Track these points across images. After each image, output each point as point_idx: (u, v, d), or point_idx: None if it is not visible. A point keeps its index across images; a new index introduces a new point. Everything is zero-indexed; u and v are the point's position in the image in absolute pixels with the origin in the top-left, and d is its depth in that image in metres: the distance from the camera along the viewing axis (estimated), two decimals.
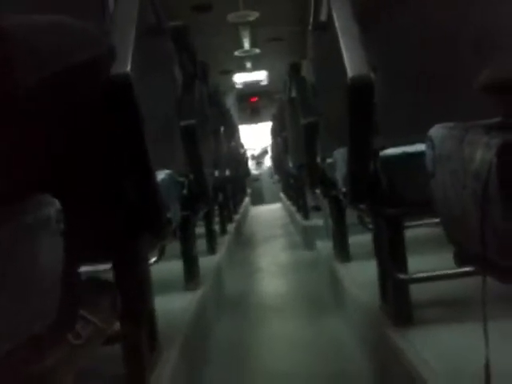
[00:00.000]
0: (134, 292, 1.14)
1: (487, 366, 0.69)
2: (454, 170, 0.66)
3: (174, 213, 1.35)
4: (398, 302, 1.31)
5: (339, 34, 1.29)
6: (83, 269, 0.99)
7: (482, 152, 0.58)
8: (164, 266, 1.85)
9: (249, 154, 9.74)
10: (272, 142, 7.65)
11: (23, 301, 0.54)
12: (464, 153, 0.63)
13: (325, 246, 2.63)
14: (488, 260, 0.65)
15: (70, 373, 0.78)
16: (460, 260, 0.76)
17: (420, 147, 1.06)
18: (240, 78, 9.47)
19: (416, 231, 1.88)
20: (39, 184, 0.68)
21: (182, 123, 1.79)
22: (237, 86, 9.82)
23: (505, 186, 0.54)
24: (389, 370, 1.31)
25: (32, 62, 0.59)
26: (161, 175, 1.32)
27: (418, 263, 1.34)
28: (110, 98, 0.89)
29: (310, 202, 4.04)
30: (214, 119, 3.18)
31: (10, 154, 0.63)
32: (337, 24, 1.32)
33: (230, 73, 9.01)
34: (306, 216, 4.14)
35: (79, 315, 0.80)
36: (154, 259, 1.76)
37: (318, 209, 3.53)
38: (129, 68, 0.94)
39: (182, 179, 1.70)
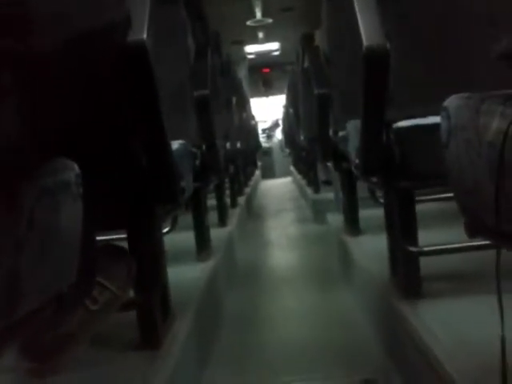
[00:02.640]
0: (148, 260, 1.16)
1: (503, 339, 0.70)
2: (469, 140, 0.66)
3: (187, 182, 1.36)
4: (407, 275, 1.32)
5: (355, 3, 1.26)
6: (99, 237, 1.01)
7: (497, 121, 0.58)
8: (176, 237, 1.87)
9: (259, 126, 9.69)
10: (284, 115, 7.60)
11: (45, 262, 0.55)
12: (479, 122, 0.63)
13: (335, 219, 2.64)
14: (502, 231, 0.65)
15: (87, 336, 0.81)
16: (471, 232, 0.76)
17: (433, 119, 1.06)
18: (252, 49, 9.35)
19: (427, 205, 1.88)
20: (57, 149, 0.69)
21: (195, 93, 1.79)
22: (249, 57, 9.70)
23: None
24: (396, 341, 1.33)
25: (50, 26, 0.60)
26: (174, 145, 1.32)
27: (428, 237, 1.35)
28: (126, 64, 0.89)
29: (321, 176, 4.04)
30: (225, 90, 3.16)
31: (31, 118, 0.64)
32: None
33: (242, 43, 8.89)
34: (316, 190, 4.14)
35: (96, 281, 0.82)
36: (166, 229, 1.78)
37: (328, 183, 3.52)
38: (145, 35, 0.94)
39: (194, 150, 1.71)
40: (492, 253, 0.74)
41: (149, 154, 1.03)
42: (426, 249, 1.32)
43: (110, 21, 0.79)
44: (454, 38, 1.38)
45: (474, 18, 1.30)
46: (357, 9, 1.24)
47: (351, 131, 1.62)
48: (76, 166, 0.65)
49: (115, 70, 0.92)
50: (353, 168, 1.61)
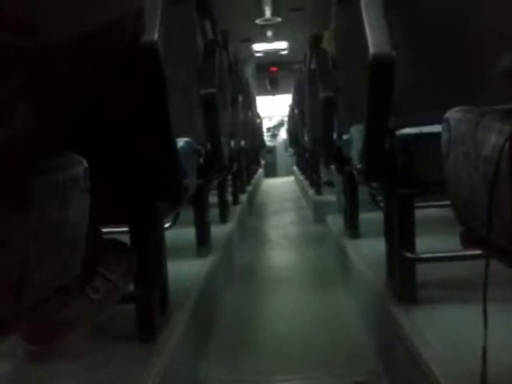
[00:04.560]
0: (149, 255, 1.18)
1: (484, 349, 0.71)
2: (467, 153, 0.68)
3: (191, 180, 1.38)
4: (403, 280, 1.34)
5: (362, 9, 1.28)
6: (103, 230, 1.03)
7: (494, 137, 0.60)
8: (177, 232, 1.89)
9: (265, 125, 9.69)
10: (289, 115, 7.61)
11: (53, 255, 0.57)
12: (478, 137, 0.64)
13: (335, 221, 2.65)
14: (494, 243, 0.67)
15: (87, 324, 0.83)
16: (467, 242, 0.78)
17: (437, 128, 1.07)
18: (260, 47, 9.34)
19: (426, 212, 1.90)
20: (65, 144, 0.71)
21: (202, 91, 1.80)
22: (257, 55, 9.70)
23: None
24: (389, 345, 1.35)
25: (60, 23, 0.61)
26: (180, 142, 1.34)
27: (426, 244, 1.37)
28: (136, 63, 0.91)
29: (324, 177, 4.05)
30: (232, 88, 3.17)
31: (40, 114, 0.65)
32: None
33: (251, 41, 8.89)
34: (318, 191, 4.16)
35: (98, 272, 0.84)
36: (168, 225, 1.80)
37: (330, 184, 3.54)
38: (156, 36, 0.96)
39: (199, 148, 1.72)
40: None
41: (154, 152, 1.05)
42: (422, 256, 1.33)
43: (123, 18, 0.80)
44: (460, 50, 1.39)
45: (481, 31, 1.32)
46: (364, 16, 1.26)
47: (355, 135, 1.64)
48: (84, 161, 0.67)
49: (125, 68, 0.93)
50: (355, 172, 1.63)
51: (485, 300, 0.68)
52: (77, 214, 0.62)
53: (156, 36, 0.96)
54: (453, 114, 0.77)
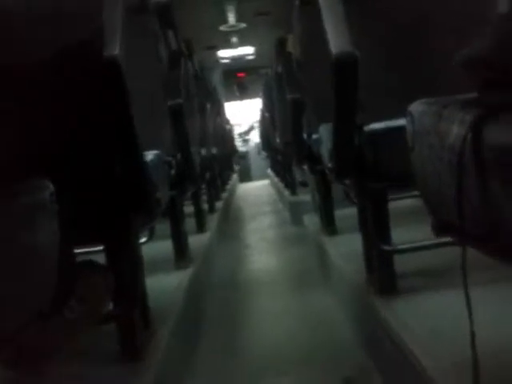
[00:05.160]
0: (126, 272, 1.17)
1: (472, 333, 0.72)
2: (432, 145, 0.69)
3: (163, 192, 1.37)
4: (382, 273, 1.35)
5: (323, 11, 1.29)
6: (76, 251, 1.02)
7: (457, 127, 0.61)
8: (154, 246, 1.88)
9: (236, 130, 9.70)
10: (260, 118, 7.64)
11: (23, 281, 0.56)
12: (441, 128, 0.66)
13: (312, 220, 2.67)
14: (465, 230, 0.69)
15: (67, 347, 0.81)
16: (438, 231, 0.80)
17: (403, 122, 1.09)
18: (226, 54, 9.36)
19: (400, 203, 1.92)
20: (30, 167, 0.69)
21: (169, 103, 1.79)
22: (223, 61, 9.71)
23: (478, 158, 0.57)
24: (373, 337, 1.36)
25: (24, 43, 0.60)
26: (149, 156, 1.33)
27: (402, 235, 1.38)
28: (98, 78, 0.90)
29: (298, 178, 4.08)
30: (199, 96, 3.17)
31: (3, 134, 0.64)
32: (320, 0, 1.32)
33: (216, 48, 8.89)
34: (293, 192, 4.18)
35: (74, 294, 0.83)
36: (144, 239, 1.79)
37: (305, 184, 3.56)
38: (117, 51, 0.94)
39: (169, 159, 1.71)
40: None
41: (123, 166, 1.04)
42: (399, 247, 1.35)
43: (84, 36, 0.80)
44: (422, 43, 1.42)
45: (439, 26, 1.35)
46: (324, 17, 1.27)
47: (324, 134, 1.65)
48: (51, 185, 0.65)
49: (87, 84, 0.92)
50: (326, 170, 1.64)
51: (465, 286, 0.69)
52: (46, 238, 0.61)
53: (117, 51, 0.95)
54: (416, 107, 0.78)
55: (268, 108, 5.28)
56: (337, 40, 1.20)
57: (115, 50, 0.93)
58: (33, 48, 0.66)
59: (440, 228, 0.77)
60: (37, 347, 0.76)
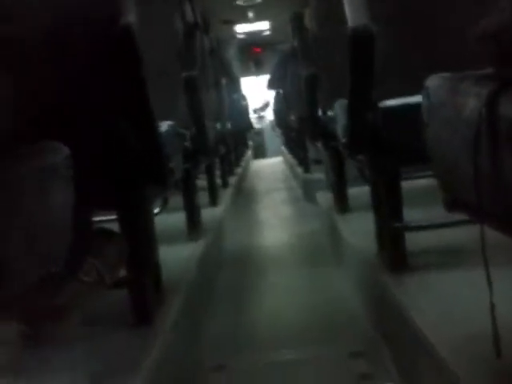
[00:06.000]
0: (139, 239, 1.18)
1: (492, 309, 0.72)
2: (448, 118, 0.68)
3: (177, 163, 1.38)
4: (393, 250, 1.36)
5: None
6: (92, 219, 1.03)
7: (473, 100, 0.60)
8: (168, 218, 1.89)
9: (251, 106, 9.63)
10: (275, 95, 7.56)
11: (35, 244, 0.57)
12: (457, 101, 0.65)
13: (325, 198, 2.67)
14: (482, 208, 0.68)
15: (80, 307, 0.83)
16: (450, 207, 0.79)
17: (418, 99, 1.08)
18: (242, 29, 9.24)
19: (414, 183, 1.91)
20: (46, 132, 0.70)
21: (184, 74, 1.79)
22: (239, 37, 9.60)
23: (494, 131, 0.57)
24: (383, 314, 1.37)
25: (37, 10, 0.61)
26: (163, 126, 1.34)
27: (414, 214, 1.38)
28: (113, 47, 0.90)
29: (312, 155, 4.05)
30: (215, 70, 3.15)
31: (20, 101, 0.65)
32: None
33: (232, 23, 8.78)
34: (306, 169, 4.17)
35: (89, 261, 0.85)
36: (157, 210, 1.81)
37: (318, 162, 3.54)
38: (132, 19, 0.94)
39: (183, 131, 1.72)
40: (475, 228, 0.77)
41: (136, 135, 1.05)
42: (410, 224, 1.35)
43: (98, 4, 0.80)
44: (441, 18, 1.39)
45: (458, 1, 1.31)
46: None
47: (339, 111, 1.64)
48: (65, 148, 0.66)
49: (103, 53, 0.92)
50: (340, 147, 1.63)
51: (486, 263, 0.68)
52: (59, 202, 0.62)
53: (131, 19, 0.94)
54: (432, 81, 0.77)
55: (282, 84, 5.22)
56: (354, 13, 1.18)
57: (129, 18, 0.93)
58: (49, 13, 0.66)
59: (453, 204, 0.77)
60: (50, 307, 0.78)
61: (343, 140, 1.54)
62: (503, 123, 0.55)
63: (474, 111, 0.60)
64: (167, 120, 1.45)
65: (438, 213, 1.18)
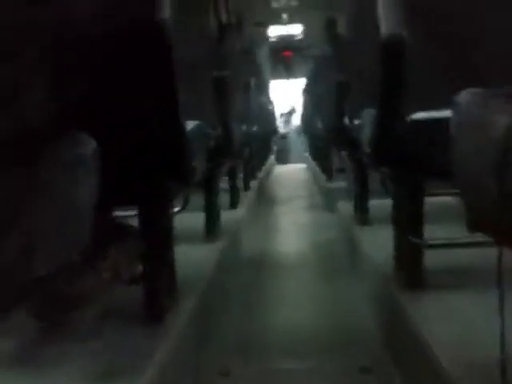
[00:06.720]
0: (157, 237, 1.19)
1: (502, 338, 0.70)
2: (475, 136, 0.67)
3: (200, 163, 1.38)
4: (410, 266, 1.33)
5: None
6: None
7: (503, 119, 0.58)
8: (187, 217, 1.90)
9: (277, 111, 9.63)
10: (303, 100, 7.55)
11: (59, 231, 0.58)
12: (486, 119, 0.63)
13: (346, 208, 2.64)
14: (504, 230, 0.66)
15: (96, 302, 0.84)
16: (473, 228, 0.77)
17: (447, 113, 1.06)
18: (275, 31, 9.26)
19: (437, 200, 1.88)
20: (74, 124, 0.71)
21: (215, 74, 1.79)
22: (271, 39, 9.62)
23: None
24: (395, 331, 1.35)
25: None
26: (189, 124, 1.34)
27: (435, 232, 1.35)
28: (146, 42, 0.91)
29: (336, 164, 4.03)
30: (245, 72, 3.15)
31: (50, 92, 0.66)
32: None
33: (265, 25, 8.81)
34: (329, 177, 4.14)
35: (107, 254, 0.85)
36: (177, 209, 1.81)
37: (342, 170, 3.52)
38: (166, 15, 0.95)
39: (209, 131, 1.72)
40: (496, 250, 0.75)
41: (162, 132, 1.05)
42: (430, 242, 1.33)
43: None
44: (477, 32, 1.36)
45: (495, 15, 1.29)
46: None
47: (366, 120, 1.62)
48: (93, 141, 0.67)
49: (135, 47, 0.93)
50: (364, 157, 1.62)
51: (501, 286, 0.66)
52: (85, 193, 0.63)
53: (165, 15, 0.95)
54: (462, 97, 0.76)
55: (311, 90, 5.20)
56: (388, 21, 1.17)
57: (164, 14, 0.94)
58: (84, 6, 0.67)
59: (476, 224, 0.75)
60: (65, 299, 0.79)
61: (367, 150, 1.52)
62: None
63: (503, 129, 0.59)
64: (194, 118, 1.46)
65: (461, 230, 1.16)
